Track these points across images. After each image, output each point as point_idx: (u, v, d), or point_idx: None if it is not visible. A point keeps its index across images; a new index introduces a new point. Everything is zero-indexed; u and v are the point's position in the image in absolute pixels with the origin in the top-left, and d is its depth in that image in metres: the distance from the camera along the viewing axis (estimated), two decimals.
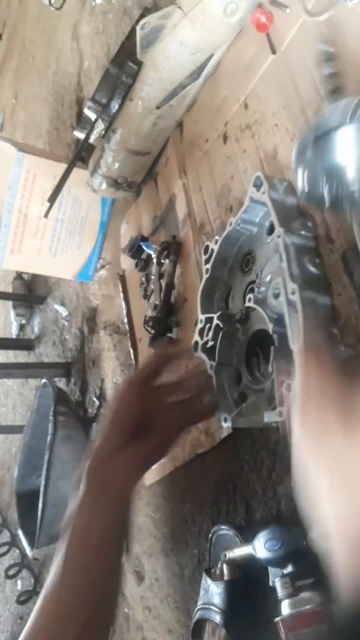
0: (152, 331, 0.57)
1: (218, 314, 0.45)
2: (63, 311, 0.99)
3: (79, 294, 0.92)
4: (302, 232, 0.38)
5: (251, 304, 0.40)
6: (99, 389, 0.82)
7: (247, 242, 0.45)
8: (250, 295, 0.41)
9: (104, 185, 0.65)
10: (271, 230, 0.40)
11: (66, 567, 0.34)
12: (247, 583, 0.42)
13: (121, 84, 0.56)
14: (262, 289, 0.40)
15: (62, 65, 1.07)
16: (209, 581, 0.44)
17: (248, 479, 0.45)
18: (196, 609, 0.44)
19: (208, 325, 0.46)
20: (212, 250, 0.46)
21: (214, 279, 0.47)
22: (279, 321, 0.38)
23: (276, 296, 0.38)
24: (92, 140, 0.62)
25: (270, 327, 0.39)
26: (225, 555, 0.41)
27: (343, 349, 0.35)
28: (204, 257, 0.48)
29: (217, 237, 0.46)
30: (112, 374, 0.77)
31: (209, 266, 0.47)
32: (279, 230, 0.38)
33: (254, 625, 0.40)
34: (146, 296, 0.65)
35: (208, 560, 0.47)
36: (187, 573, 0.55)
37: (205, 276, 0.47)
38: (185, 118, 0.59)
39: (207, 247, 0.47)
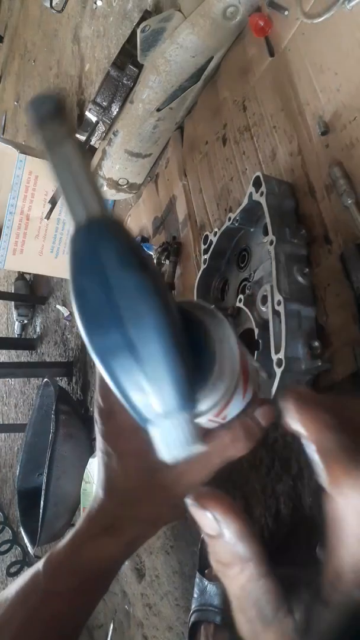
0: None
1: (212, 307, 0.45)
2: (65, 311, 0.99)
3: None
4: (295, 240, 0.39)
5: (241, 305, 0.41)
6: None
7: (244, 238, 0.46)
8: (241, 296, 0.41)
9: (104, 187, 0.66)
10: (267, 231, 0.40)
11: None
12: None
13: (122, 87, 0.56)
14: (253, 291, 0.41)
15: (63, 67, 1.08)
16: (206, 582, 0.44)
17: (247, 477, 0.46)
18: (191, 612, 0.44)
19: None
20: (211, 241, 0.47)
21: (211, 269, 0.48)
22: (264, 327, 0.39)
23: (264, 302, 0.39)
24: (93, 142, 0.62)
25: (256, 332, 0.39)
26: None
27: (320, 364, 0.35)
28: (203, 247, 0.48)
29: (216, 229, 0.47)
30: None
31: (207, 257, 0.47)
32: (271, 237, 0.38)
33: None
34: None
35: (199, 561, 0.47)
36: (187, 570, 0.55)
37: (202, 266, 0.48)
38: (186, 120, 0.60)
39: (206, 237, 0.48)
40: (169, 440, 0.16)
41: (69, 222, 0.16)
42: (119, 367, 0.15)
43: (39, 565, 0.29)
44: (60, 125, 0.16)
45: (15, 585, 0.29)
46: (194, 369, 0.17)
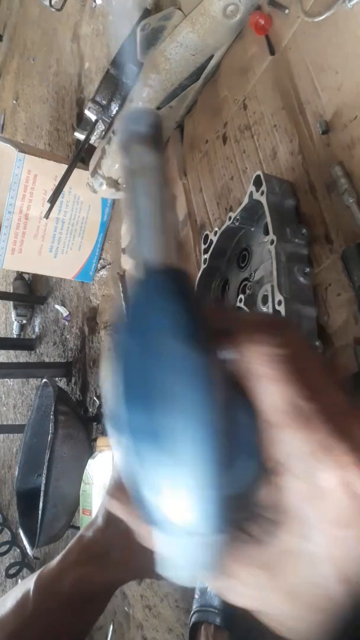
0: None
1: None
2: (64, 311, 0.99)
3: (80, 294, 0.93)
4: (296, 240, 0.39)
5: (241, 305, 0.41)
6: (100, 388, 0.82)
7: (245, 237, 0.46)
8: (242, 296, 0.41)
9: (104, 186, 0.66)
10: (267, 230, 0.40)
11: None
12: None
13: (121, 85, 0.56)
14: (253, 291, 0.40)
15: (62, 66, 1.08)
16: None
17: None
18: (192, 613, 0.44)
19: None
20: (212, 241, 0.47)
21: (212, 269, 0.48)
22: None
23: (264, 302, 0.38)
24: (92, 141, 0.62)
25: None
26: None
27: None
28: (203, 247, 0.48)
29: (216, 229, 0.46)
30: None
31: (207, 256, 0.47)
32: (272, 237, 0.38)
33: (256, 626, 0.39)
34: None
35: None
36: None
37: (203, 266, 0.48)
38: (186, 119, 0.59)
39: (206, 236, 0.48)
40: (179, 560, 0.13)
41: (134, 261, 0.14)
42: (141, 453, 0.13)
43: (31, 582, 0.30)
44: (149, 152, 0.14)
45: (12, 595, 0.30)
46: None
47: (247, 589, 0.15)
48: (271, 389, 0.13)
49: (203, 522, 0.13)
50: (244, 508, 0.14)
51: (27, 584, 0.30)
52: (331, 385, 0.14)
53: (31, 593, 0.29)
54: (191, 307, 0.13)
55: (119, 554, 0.28)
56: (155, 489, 0.13)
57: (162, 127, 0.14)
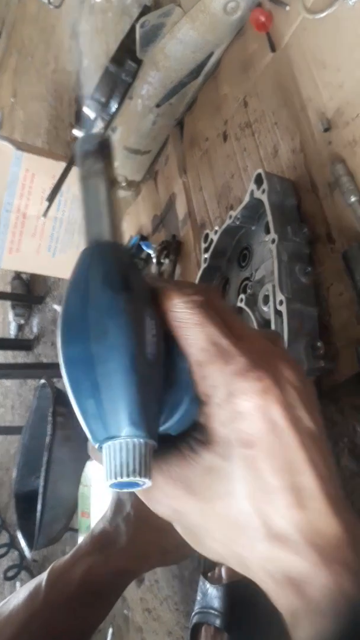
0: None
1: None
2: None
3: None
4: (297, 239, 0.38)
5: (242, 305, 0.40)
6: None
7: (245, 236, 0.45)
8: (242, 296, 0.41)
9: None
10: (268, 229, 0.40)
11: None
12: (247, 584, 0.41)
13: (121, 83, 0.55)
14: (254, 291, 0.40)
15: (61, 63, 1.07)
16: (208, 585, 0.43)
17: None
18: (193, 614, 0.44)
19: None
20: (212, 240, 0.46)
21: (212, 269, 0.47)
22: (266, 327, 0.38)
23: (265, 301, 0.38)
24: None
25: None
26: None
27: (323, 364, 0.35)
28: (203, 246, 0.47)
29: (217, 228, 0.46)
30: None
31: (207, 255, 0.47)
32: (273, 236, 0.38)
33: (255, 628, 0.39)
34: None
35: (203, 562, 0.47)
36: (187, 575, 0.54)
37: (203, 265, 0.47)
38: (186, 116, 0.59)
39: (207, 235, 0.47)
40: (112, 463, 0.15)
41: (83, 242, 0.18)
42: (78, 379, 0.16)
43: (44, 573, 0.31)
44: (96, 162, 0.18)
45: (26, 587, 0.31)
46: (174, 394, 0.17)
47: (166, 499, 0.17)
48: (193, 332, 0.16)
49: (129, 429, 0.15)
50: (184, 434, 0.17)
51: (42, 575, 0.31)
52: (249, 330, 0.17)
53: (43, 585, 0.30)
54: (120, 268, 0.17)
55: (123, 540, 0.30)
56: (91, 406, 0.16)
57: (109, 145, 0.19)
